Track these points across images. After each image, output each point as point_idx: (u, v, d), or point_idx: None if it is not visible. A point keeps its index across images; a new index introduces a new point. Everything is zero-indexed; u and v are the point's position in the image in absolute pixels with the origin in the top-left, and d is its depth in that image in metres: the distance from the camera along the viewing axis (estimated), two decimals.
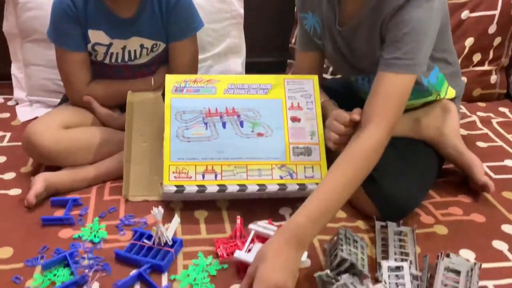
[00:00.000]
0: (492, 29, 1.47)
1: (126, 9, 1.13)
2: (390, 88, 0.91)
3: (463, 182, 1.10)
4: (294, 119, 1.05)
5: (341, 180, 0.84)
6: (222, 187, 0.97)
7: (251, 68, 1.58)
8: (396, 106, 0.90)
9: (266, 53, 1.65)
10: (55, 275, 0.83)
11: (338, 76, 1.52)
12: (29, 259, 0.86)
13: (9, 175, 1.11)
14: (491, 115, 1.44)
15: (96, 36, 1.14)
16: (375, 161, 0.87)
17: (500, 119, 1.41)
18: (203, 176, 0.97)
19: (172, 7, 1.14)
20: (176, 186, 0.96)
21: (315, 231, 0.81)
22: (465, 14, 1.46)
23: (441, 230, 0.96)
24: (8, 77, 1.47)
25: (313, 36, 1.12)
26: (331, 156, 1.03)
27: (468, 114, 1.43)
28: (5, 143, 1.25)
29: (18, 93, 1.44)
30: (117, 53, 1.17)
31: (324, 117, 1.07)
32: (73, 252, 0.87)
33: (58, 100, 1.34)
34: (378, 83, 0.92)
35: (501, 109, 1.48)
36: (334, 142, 0.97)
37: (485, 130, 1.35)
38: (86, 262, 0.86)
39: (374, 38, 0.98)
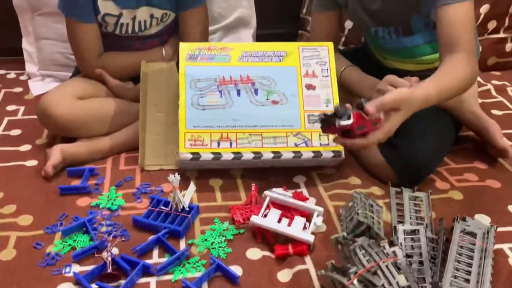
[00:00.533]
0: None
1: None
2: (462, 18, 0.94)
3: (479, 149, 1.10)
4: (309, 87, 1.04)
5: (447, 85, 0.89)
6: (237, 155, 0.97)
7: (261, 40, 1.56)
8: (472, 32, 0.96)
9: (277, 24, 1.63)
10: (74, 240, 0.85)
11: (351, 46, 1.50)
12: (49, 226, 0.88)
13: (25, 147, 1.12)
14: (506, 83, 1.42)
15: (106, 6, 1.13)
16: (468, 87, 0.94)
17: None
18: (218, 144, 0.98)
19: None
20: (192, 153, 0.96)
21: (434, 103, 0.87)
22: None
23: (457, 195, 0.96)
24: (19, 53, 1.46)
25: None
26: None
27: (483, 82, 1.42)
28: (19, 116, 1.26)
29: (30, 67, 1.44)
30: (127, 24, 1.16)
31: (348, 83, 1.06)
32: (91, 218, 0.89)
33: (70, 74, 1.34)
34: (448, 14, 0.94)
35: None
36: None
37: (500, 98, 1.34)
38: (104, 229, 0.87)
39: None
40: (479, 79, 1.42)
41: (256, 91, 1.03)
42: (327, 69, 1.05)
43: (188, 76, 1.02)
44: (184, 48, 1.04)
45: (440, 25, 0.96)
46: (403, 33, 1.07)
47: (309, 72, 1.05)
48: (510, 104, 1.31)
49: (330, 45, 1.07)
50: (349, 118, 0.77)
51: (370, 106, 0.78)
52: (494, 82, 1.42)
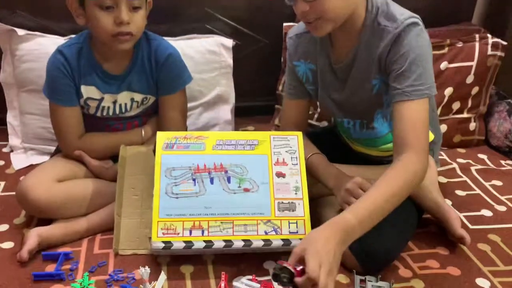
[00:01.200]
0: (469, 79, 1.55)
1: (117, 66, 1.19)
2: (414, 115, 0.99)
3: (442, 233, 1.15)
4: (280, 175, 1.09)
5: (386, 192, 0.92)
6: (209, 243, 1.01)
7: (240, 112, 1.64)
8: (424, 131, 0.99)
9: (255, 98, 1.71)
10: None
11: (323, 123, 1.58)
12: None
13: (3, 227, 1.14)
14: (471, 162, 1.49)
15: (89, 91, 1.19)
16: (415, 186, 0.97)
17: (479, 166, 1.46)
18: (190, 232, 1.01)
19: (161, 64, 1.20)
20: (164, 242, 1.00)
21: (359, 233, 0.89)
22: (444, 65, 1.53)
23: (418, 284, 1.00)
24: (2, 123, 1.51)
25: (305, 83, 1.19)
26: (315, 212, 1.09)
27: (449, 161, 1.49)
28: None
29: (13, 140, 1.48)
30: (108, 107, 1.22)
31: (314, 170, 1.11)
32: None
33: (52, 148, 1.39)
34: (400, 112, 0.99)
35: (480, 155, 1.54)
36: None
37: (464, 178, 1.40)
38: None
39: (371, 65, 1.05)
40: (445, 157, 1.51)
41: (229, 179, 1.08)
42: (296, 157, 1.11)
43: (164, 165, 1.07)
44: (161, 137, 1.10)
45: (393, 121, 1.02)
46: (367, 127, 1.15)
47: (279, 160, 1.11)
48: (474, 185, 1.37)
49: (299, 134, 1.14)
50: (290, 281, 0.80)
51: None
52: (459, 160, 1.50)
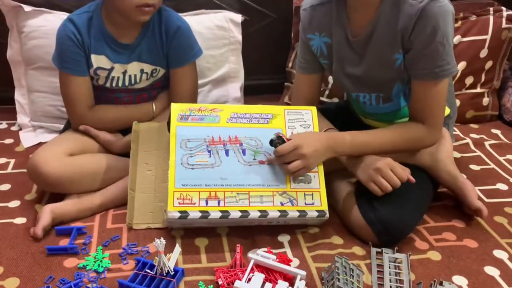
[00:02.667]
0: (483, 53, 1.52)
1: (127, 36, 1.17)
2: (436, 94, 1.02)
3: (457, 206, 1.13)
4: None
5: (388, 137, 1.04)
6: (225, 213, 1.00)
7: (249, 90, 1.62)
8: (442, 107, 1.06)
9: (264, 76, 1.69)
10: None
11: (334, 99, 1.56)
12: None
13: (14, 203, 1.13)
14: (484, 137, 1.48)
15: (99, 60, 1.17)
16: (416, 149, 1.08)
17: (493, 141, 1.44)
18: (207, 202, 1.00)
19: (172, 35, 1.18)
20: (180, 212, 0.98)
21: (348, 151, 1.03)
22: (457, 38, 1.51)
23: (435, 256, 0.99)
24: (11, 101, 1.49)
25: (319, 57, 1.16)
26: (329, 185, 1.08)
27: (462, 136, 1.47)
28: (9, 170, 1.27)
29: (21, 118, 1.47)
30: (118, 77, 1.20)
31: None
32: (77, 282, 0.90)
33: (61, 126, 1.37)
34: (424, 90, 1.02)
35: (494, 130, 1.52)
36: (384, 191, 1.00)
37: (478, 153, 1.39)
38: None
39: (393, 41, 1.02)
40: (458, 132, 1.49)
41: (244, 151, 1.06)
42: (311, 131, 1.10)
43: (179, 136, 1.05)
44: (176, 108, 1.08)
45: (413, 97, 1.03)
46: (383, 100, 1.12)
47: (294, 133, 1.09)
48: (488, 159, 1.36)
49: (313, 109, 1.12)
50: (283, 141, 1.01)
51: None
52: (472, 135, 1.48)
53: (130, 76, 1.20)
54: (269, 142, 1.02)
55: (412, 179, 1.00)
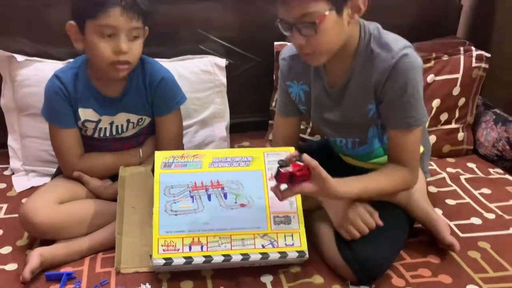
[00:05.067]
0: (456, 90, 1.60)
1: (113, 89, 1.24)
2: (410, 142, 1.09)
3: (432, 241, 1.18)
4: None
5: (381, 185, 1.08)
6: (208, 258, 1.04)
7: (235, 129, 1.69)
8: (418, 152, 1.12)
9: (249, 115, 1.76)
10: None
11: (316, 137, 1.62)
12: None
13: (6, 249, 1.17)
14: (460, 171, 1.53)
15: (86, 113, 1.23)
16: (401, 191, 1.13)
17: (468, 175, 1.50)
18: (190, 248, 1.05)
19: (156, 86, 1.25)
20: (165, 258, 1.03)
21: (345, 197, 1.06)
22: (430, 77, 1.59)
23: None
24: (4, 146, 1.55)
25: (298, 103, 1.23)
26: (308, 225, 1.13)
27: (439, 170, 1.53)
28: (1, 215, 1.31)
29: (14, 162, 1.51)
30: (105, 128, 1.26)
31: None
32: None
33: (53, 169, 1.42)
34: (399, 139, 1.09)
35: (469, 164, 1.58)
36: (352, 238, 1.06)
37: (454, 187, 1.44)
38: None
39: (366, 92, 1.09)
40: (435, 167, 1.55)
41: (225, 195, 1.11)
42: None
43: (163, 183, 1.10)
44: (159, 156, 1.14)
45: (391, 144, 1.10)
46: (359, 144, 1.19)
47: (273, 175, 1.15)
48: (463, 193, 1.41)
49: (291, 149, 1.17)
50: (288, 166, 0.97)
51: (305, 156, 0.96)
52: (449, 169, 1.54)
53: (117, 126, 1.26)
54: (276, 174, 0.99)
55: (380, 223, 1.06)
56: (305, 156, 0.96)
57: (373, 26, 1.09)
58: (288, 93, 1.23)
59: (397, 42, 1.05)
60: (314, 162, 0.96)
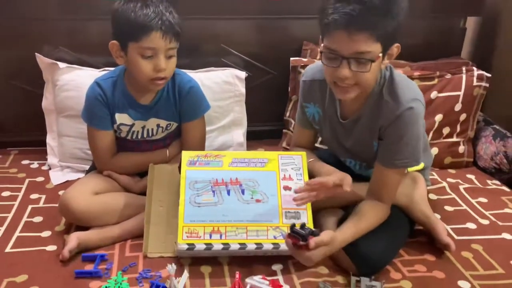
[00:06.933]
0: (458, 107, 1.72)
1: (146, 97, 1.38)
2: (393, 180, 1.20)
3: (429, 242, 1.29)
4: (286, 188, 1.26)
5: (366, 225, 1.17)
6: (226, 245, 1.17)
7: (252, 136, 1.82)
8: (396, 190, 1.22)
9: (265, 123, 1.90)
10: None
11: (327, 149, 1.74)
12: None
13: (46, 233, 1.31)
14: (460, 181, 1.64)
15: (121, 118, 1.38)
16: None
17: (467, 185, 1.61)
18: (210, 236, 1.18)
19: (184, 95, 1.39)
20: (188, 244, 1.16)
21: (339, 246, 1.13)
22: (434, 94, 1.71)
23: (407, 284, 1.15)
24: (42, 144, 1.70)
25: (312, 122, 1.35)
26: (316, 220, 1.25)
27: (439, 180, 1.64)
28: (41, 205, 1.46)
29: (51, 159, 1.67)
30: (137, 131, 1.41)
31: (313, 171, 1.27)
32: None
33: (85, 166, 1.57)
34: (382, 174, 1.19)
35: (469, 175, 1.69)
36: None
37: (453, 195, 1.55)
38: None
39: (373, 131, 1.21)
40: (436, 177, 1.66)
41: (243, 191, 1.25)
42: (300, 174, 1.28)
43: (188, 178, 1.24)
44: (186, 155, 1.28)
45: (374, 177, 1.21)
46: (366, 167, 1.32)
47: (286, 176, 1.28)
48: (461, 201, 1.52)
49: (303, 154, 1.31)
50: (305, 240, 1.06)
51: (312, 242, 1.05)
52: (449, 180, 1.65)
53: (148, 130, 1.40)
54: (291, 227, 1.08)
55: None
56: (311, 241, 1.05)
57: (387, 70, 1.18)
58: (305, 111, 1.35)
59: (405, 93, 1.14)
60: (312, 244, 1.05)
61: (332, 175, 1.17)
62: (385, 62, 1.12)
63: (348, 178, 1.15)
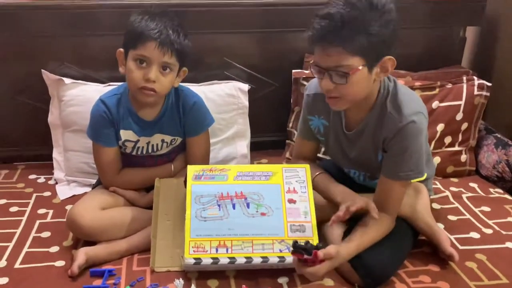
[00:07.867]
0: (459, 116, 1.73)
1: (150, 113, 1.40)
2: (397, 192, 1.22)
3: (433, 252, 1.31)
4: (291, 201, 1.28)
5: (370, 238, 1.19)
6: (232, 259, 1.18)
7: (255, 147, 1.84)
8: (401, 201, 1.24)
9: (268, 134, 1.92)
10: None
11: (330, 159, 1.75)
12: None
13: (54, 248, 1.33)
14: (462, 190, 1.65)
15: (126, 135, 1.40)
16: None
17: (470, 194, 1.62)
18: (217, 250, 1.19)
19: (188, 110, 1.41)
20: (195, 258, 1.18)
21: (345, 259, 1.16)
22: (435, 104, 1.73)
23: None
24: (49, 158, 1.73)
25: (317, 133, 1.36)
26: (321, 233, 1.27)
27: (442, 189, 1.65)
28: (49, 219, 1.47)
29: (57, 173, 1.69)
30: (142, 147, 1.43)
31: (322, 186, 1.29)
32: None
33: (92, 180, 1.59)
34: (387, 186, 1.21)
35: (471, 184, 1.70)
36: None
37: (456, 204, 1.56)
38: None
39: (376, 143, 1.23)
40: (439, 186, 1.67)
41: (248, 205, 1.26)
42: (305, 186, 1.30)
43: (194, 193, 1.26)
44: (191, 169, 1.30)
45: (378, 189, 1.23)
46: (370, 178, 1.34)
47: (290, 188, 1.29)
48: (464, 210, 1.53)
49: (307, 167, 1.33)
50: (310, 254, 1.06)
51: (320, 253, 1.08)
52: (452, 188, 1.66)
53: (153, 145, 1.42)
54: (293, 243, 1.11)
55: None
56: (319, 252, 1.08)
57: (391, 82, 1.21)
58: (309, 124, 1.37)
59: (409, 106, 1.16)
60: (321, 255, 1.08)
61: (356, 201, 1.19)
62: (379, 74, 1.14)
63: (372, 204, 1.19)
